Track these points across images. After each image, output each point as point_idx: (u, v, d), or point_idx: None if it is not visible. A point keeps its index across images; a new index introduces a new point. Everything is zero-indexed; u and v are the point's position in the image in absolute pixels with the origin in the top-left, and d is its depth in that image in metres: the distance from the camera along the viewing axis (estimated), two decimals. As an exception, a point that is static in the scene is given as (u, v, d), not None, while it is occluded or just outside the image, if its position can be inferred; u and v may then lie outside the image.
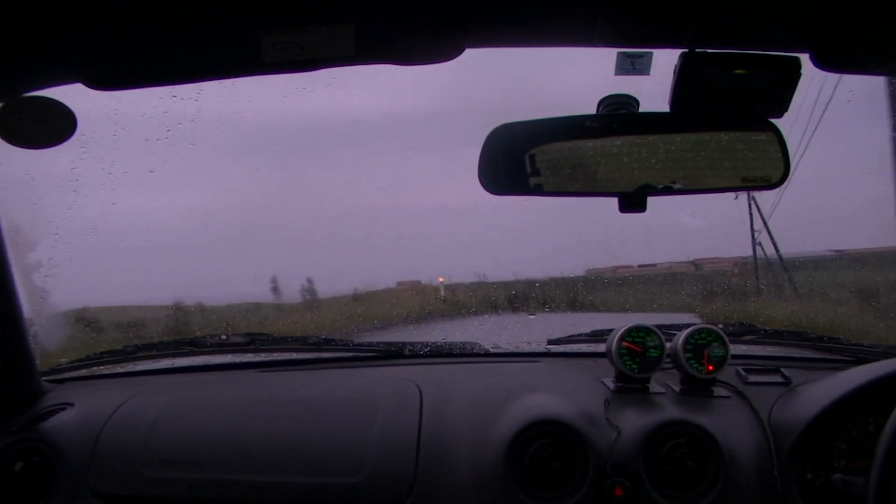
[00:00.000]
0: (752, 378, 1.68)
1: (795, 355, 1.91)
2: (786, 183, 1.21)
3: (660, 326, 1.69)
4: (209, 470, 1.51)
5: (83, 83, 1.14)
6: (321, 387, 1.76)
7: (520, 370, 1.85)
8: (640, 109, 1.20)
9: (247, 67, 1.14)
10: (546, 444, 1.45)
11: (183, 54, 1.11)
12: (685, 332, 1.64)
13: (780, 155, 1.20)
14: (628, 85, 1.15)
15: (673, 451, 1.44)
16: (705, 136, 1.23)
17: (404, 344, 1.98)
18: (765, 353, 1.89)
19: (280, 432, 1.56)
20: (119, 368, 1.98)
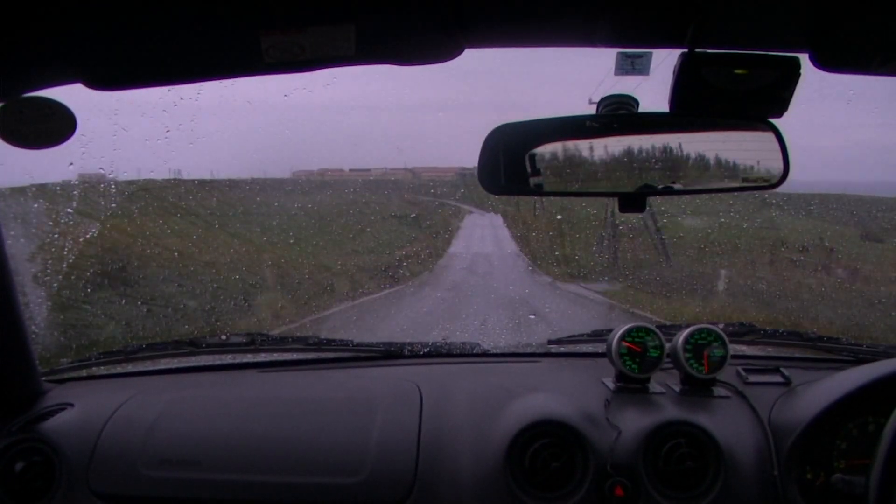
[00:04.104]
0: (752, 378, 1.68)
1: (795, 355, 1.92)
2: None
3: (660, 326, 1.69)
4: (209, 470, 1.51)
5: (83, 83, 1.14)
6: (321, 387, 1.76)
7: (520, 370, 1.85)
8: (640, 109, 1.20)
9: (247, 67, 1.14)
10: (546, 444, 1.45)
11: (183, 54, 1.11)
12: (685, 332, 1.64)
13: (779, 155, 1.20)
14: (628, 85, 1.16)
15: (673, 451, 1.44)
16: (705, 136, 1.23)
17: (404, 344, 1.99)
18: (765, 353, 1.89)
19: (280, 432, 1.56)
20: (119, 368, 1.98)
